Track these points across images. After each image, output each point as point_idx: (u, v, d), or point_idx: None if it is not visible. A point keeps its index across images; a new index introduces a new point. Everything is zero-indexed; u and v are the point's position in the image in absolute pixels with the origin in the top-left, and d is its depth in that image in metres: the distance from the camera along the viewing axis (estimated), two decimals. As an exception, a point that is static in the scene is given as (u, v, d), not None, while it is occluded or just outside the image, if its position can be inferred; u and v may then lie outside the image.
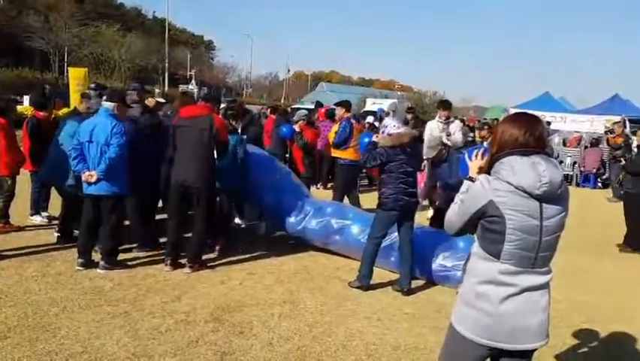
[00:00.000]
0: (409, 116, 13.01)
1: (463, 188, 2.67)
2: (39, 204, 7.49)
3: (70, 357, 3.81)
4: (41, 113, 7.31)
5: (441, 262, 5.83)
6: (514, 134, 2.49)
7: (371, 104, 30.93)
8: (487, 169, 2.58)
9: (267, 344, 4.28)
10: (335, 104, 9.32)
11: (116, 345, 4.04)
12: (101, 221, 5.67)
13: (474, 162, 2.75)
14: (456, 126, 8.49)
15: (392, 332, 4.69)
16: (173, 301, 4.99)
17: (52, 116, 7.50)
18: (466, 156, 2.91)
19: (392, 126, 5.62)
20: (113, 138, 5.45)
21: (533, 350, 2.58)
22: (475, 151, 2.81)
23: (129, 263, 5.90)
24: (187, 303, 4.97)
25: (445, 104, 9.12)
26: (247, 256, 6.53)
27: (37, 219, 7.42)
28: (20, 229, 6.99)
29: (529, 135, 2.47)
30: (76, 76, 17.33)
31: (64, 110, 8.16)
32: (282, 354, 4.11)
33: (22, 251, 6.04)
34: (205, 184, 5.75)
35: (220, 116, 6.30)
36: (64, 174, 6.13)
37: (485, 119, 22.53)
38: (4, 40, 37.72)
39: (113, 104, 5.64)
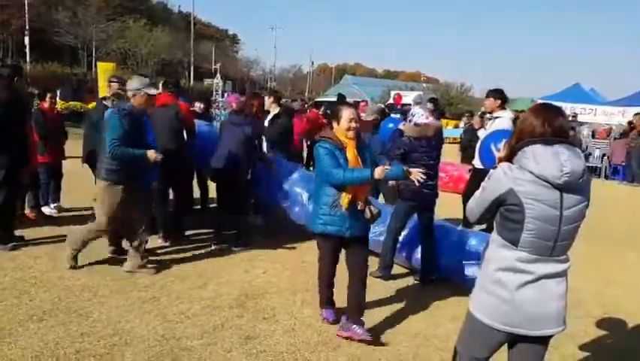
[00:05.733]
0: (429, 105, 12.21)
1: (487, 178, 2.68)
2: (48, 195, 7.62)
3: (101, 339, 3.98)
4: (45, 105, 7.39)
5: (451, 256, 5.72)
6: (532, 124, 2.51)
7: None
8: (507, 158, 2.59)
9: (289, 329, 4.41)
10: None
11: (146, 328, 4.21)
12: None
13: (501, 153, 2.73)
14: (504, 123, 6.62)
15: (412, 321, 4.78)
16: (199, 288, 5.15)
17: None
18: (492, 146, 2.92)
19: (420, 115, 5.54)
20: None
21: (550, 336, 2.63)
22: (505, 140, 2.79)
23: (157, 252, 6.08)
24: (212, 290, 5.13)
25: (489, 94, 7.12)
26: (270, 247, 6.65)
27: (47, 211, 7.52)
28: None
29: (547, 125, 2.48)
30: (104, 70, 17.70)
31: (93, 104, 8.34)
32: (303, 339, 4.24)
33: (55, 239, 6.23)
34: None
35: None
36: None
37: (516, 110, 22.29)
38: (34, 35, 38.37)
39: None
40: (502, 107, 6.93)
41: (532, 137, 2.49)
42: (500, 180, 2.52)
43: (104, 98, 7.14)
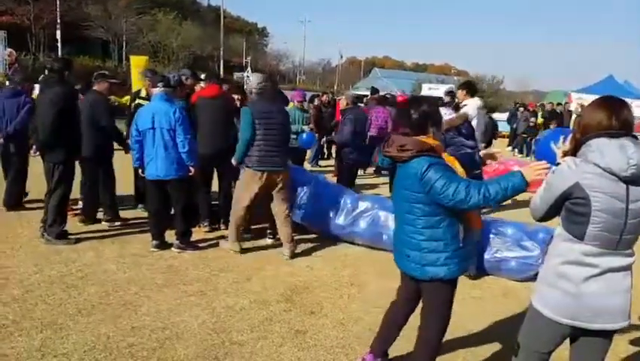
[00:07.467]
0: (447, 99, 11.14)
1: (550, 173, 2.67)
2: None
3: (152, 333, 3.99)
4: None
5: (492, 252, 5.64)
6: (598, 118, 2.50)
7: (427, 90, 30.59)
8: (572, 152, 2.59)
9: (338, 323, 4.38)
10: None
11: (195, 322, 4.21)
12: (168, 204, 5.90)
13: (562, 148, 2.76)
14: (469, 109, 7.23)
15: (460, 316, 4.64)
16: (245, 282, 5.14)
17: None
18: (552, 143, 2.89)
19: (442, 114, 5.56)
20: (177, 124, 5.58)
21: (614, 331, 2.61)
22: (562, 137, 2.80)
23: (199, 245, 6.09)
24: (257, 283, 5.11)
25: (460, 87, 8.10)
26: (311, 241, 6.60)
27: None
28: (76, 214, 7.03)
29: (614, 119, 2.47)
30: (137, 64, 17.78)
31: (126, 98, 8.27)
32: (354, 334, 4.20)
33: (98, 234, 6.30)
34: None
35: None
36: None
37: (551, 103, 21.85)
38: (65, 29, 38.86)
39: (168, 88, 5.77)
40: (470, 96, 7.67)
41: (598, 130, 2.48)
42: (566, 174, 2.50)
43: (139, 92, 7.27)
